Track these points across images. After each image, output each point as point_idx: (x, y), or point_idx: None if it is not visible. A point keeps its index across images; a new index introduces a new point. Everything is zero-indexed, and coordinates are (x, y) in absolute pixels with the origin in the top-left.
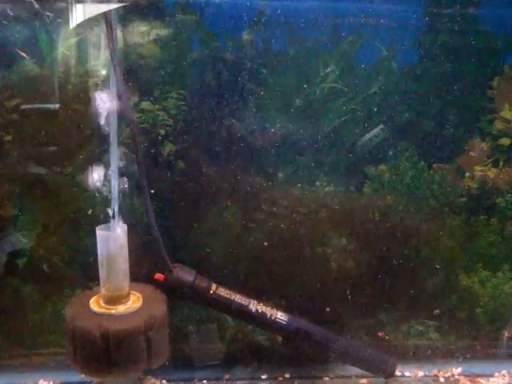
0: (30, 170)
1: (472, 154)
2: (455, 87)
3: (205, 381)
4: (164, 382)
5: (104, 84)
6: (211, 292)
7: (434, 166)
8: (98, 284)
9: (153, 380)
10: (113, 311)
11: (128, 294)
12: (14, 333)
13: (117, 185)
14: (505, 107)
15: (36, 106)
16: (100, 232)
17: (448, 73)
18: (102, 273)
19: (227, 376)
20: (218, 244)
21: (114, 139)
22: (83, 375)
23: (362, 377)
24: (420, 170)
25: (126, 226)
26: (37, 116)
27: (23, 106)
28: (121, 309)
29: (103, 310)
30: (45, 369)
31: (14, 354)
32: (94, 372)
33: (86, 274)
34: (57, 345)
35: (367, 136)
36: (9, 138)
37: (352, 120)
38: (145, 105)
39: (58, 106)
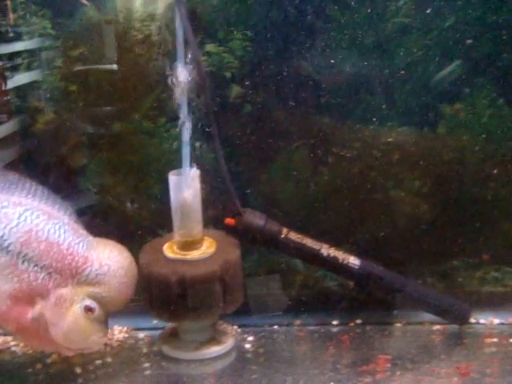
0: (96, 119)
1: None
2: None
3: (276, 326)
4: (235, 327)
5: (168, 28)
6: (282, 236)
7: None
8: (168, 231)
9: (224, 325)
10: (188, 257)
11: (202, 240)
12: None
13: (187, 130)
14: None
15: (99, 53)
16: (173, 177)
17: None
18: (176, 218)
19: (298, 322)
20: (287, 188)
21: (184, 84)
22: (159, 320)
23: (435, 323)
24: (499, 108)
25: (198, 171)
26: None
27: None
28: (195, 254)
29: (178, 256)
30: (118, 315)
31: None
32: (170, 317)
33: (156, 221)
34: None
35: (442, 73)
36: (74, 88)
37: (426, 56)
38: (209, 47)
39: (121, 53)
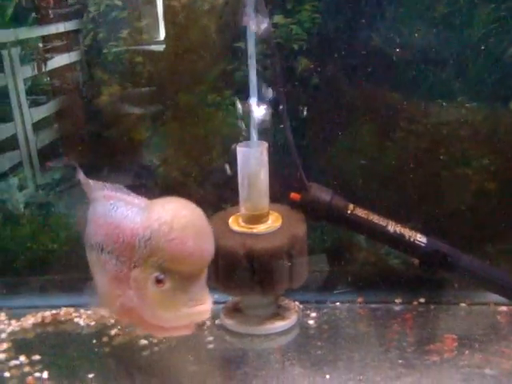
0: (161, 91)
1: None
2: None
3: (338, 303)
4: (297, 303)
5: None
6: (348, 212)
7: None
8: (231, 205)
9: (286, 301)
10: (254, 230)
11: (268, 214)
12: None
13: (255, 102)
14: None
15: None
16: (241, 149)
17: None
18: (243, 191)
19: (360, 299)
20: (354, 164)
21: (252, 54)
22: (225, 294)
23: (501, 304)
24: None
25: (266, 144)
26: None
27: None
28: (262, 228)
29: (244, 230)
30: None
31: None
32: (237, 291)
33: (219, 195)
34: None
35: None
36: (139, 59)
37: (500, 29)
38: (277, 18)
39: (186, 24)
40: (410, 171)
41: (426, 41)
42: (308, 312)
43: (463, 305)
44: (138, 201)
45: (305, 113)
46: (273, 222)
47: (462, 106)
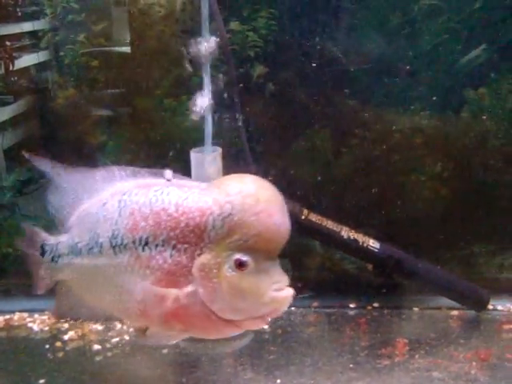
0: (117, 95)
1: None
2: None
3: (293, 308)
4: None
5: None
6: (303, 217)
7: None
8: None
9: None
10: None
11: None
12: None
13: (209, 108)
14: None
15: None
16: (195, 154)
17: None
18: None
19: (315, 304)
20: (308, 169)
21: (206, 60)
22: None
23: (453, 309)
24: None
25: (220, 149)
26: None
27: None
28: None
29: None
30: None
31: None
32: None
33: None
34: None
35: (467, 57)
36: (95, 63)
37: (452, 39)
38: (234, 25)
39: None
40: (364, 177)
41: (380, 49)
42: None
43: (416, 309)
44: (190, 182)
45: (260, 119)
46: None
47: (415, 114)
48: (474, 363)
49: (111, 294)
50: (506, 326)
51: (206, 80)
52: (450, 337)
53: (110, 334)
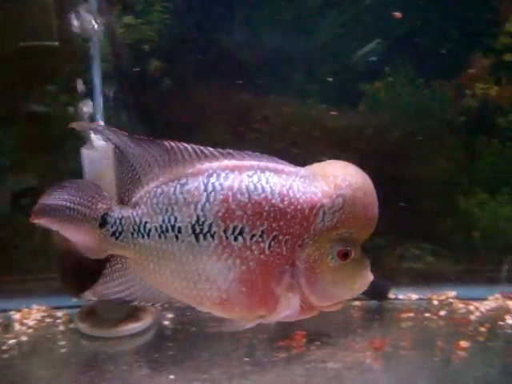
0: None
1: (473, 70)
2: None
3: None
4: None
5: None
6: None
7: (433, 83)
8: None
9: None
10: None
11: None
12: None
13: (101, 103)
14: (510, 20)
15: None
16: (86, 151)
17: None
18: None
19: None
20: None
21: (95, 54)
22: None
23: (355, 299)
24: (418, 87)
25: (111, 145)
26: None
27: None
28: None
29: None
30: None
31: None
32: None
33: None
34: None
35: (362, 51)
36: None
37: (346, 34)
38: (128, 19)
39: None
40: None
41: (276, 44)
42: (165, 313)
43: None
44: (284, 166)
45: (156, 114)
46: None
47: (313, 108)
48: (368, 352)
49: (184, 280)
50: (405, 315)
51: (96, 76)
52: (350, 327)
53: (7, 335)
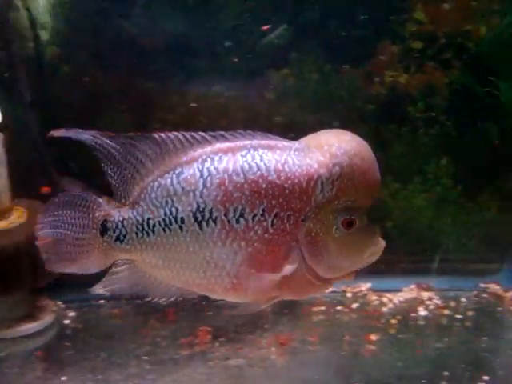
0: None
1: (382, 57)
2: None
3: (102, 300)
4: (59, 303)
5: None
6: None
7: (342, 69)
8: None
9: (46, 301)
10: None
11: (10, 209)
12: None
13: None
14: (418, 8)
15: None
16: None
17: None
18: None
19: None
20: None
21: None
22: None
23: None
24: (326, 74)
25: (1, 135)
26: None
27: None
28: (2, 224)
29: None
30: None
31: None
32: None
33: None
34: None
35: (268, 37)
36: None
37: (252, 19)
38: (21, 3)
39: None
40: None
41: (179, 29)
42: (67, 312)
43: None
44: (276, 141)
45: (55, 103)
46: (17, 217)
47: (219, 96)
48: (273, 348)
49: (194, 270)
50: (316, 308)
51: None
52: (257, 322)
53: None
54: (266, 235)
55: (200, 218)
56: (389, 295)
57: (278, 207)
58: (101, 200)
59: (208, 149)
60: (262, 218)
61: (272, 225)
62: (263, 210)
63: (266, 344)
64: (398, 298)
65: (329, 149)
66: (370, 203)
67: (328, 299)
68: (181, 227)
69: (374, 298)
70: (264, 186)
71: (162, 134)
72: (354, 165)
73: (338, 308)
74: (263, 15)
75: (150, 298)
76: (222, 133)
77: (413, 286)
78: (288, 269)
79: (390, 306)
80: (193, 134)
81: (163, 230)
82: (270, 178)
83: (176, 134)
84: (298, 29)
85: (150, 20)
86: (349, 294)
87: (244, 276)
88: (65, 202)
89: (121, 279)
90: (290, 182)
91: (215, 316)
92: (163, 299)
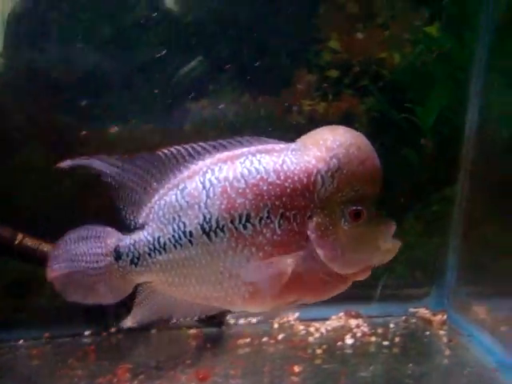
0: None
1: (299, 86)
2: (278, 15)
3: (21, 341)
4: None
5: None
6: (16, 242)
7: (260, 99)
8: None
9: None
10: None
11: None
12: None
13: None
14: (332, 37)
15: None
16: None
17: None
18: None
19: (47, 334)
20: (24, 189)
21: None
22: None
23: (193, 327)
24: (244, 104)
25: None
26: None
27: None
28: None
29: None
30: None
31: None
32: None
33: None
34: None
35: (185, 68)
36: None
37: (168, 51)
38: None
39: None
40: (86, 196)
41: (94, 61)
42: None
43: (154, 331)
44: (278, 145)
45: None
46: None
47: (137, 128)
48: None
49: (210, 283)
50: (241, 341)
51: None
52: (180, 357)
53: None
54: (275, 237)
55: (208, 229)
56: (316, 324)
57: (283, 207)
58: (109, 228)
59: (208, 160)
60: (269, 221)
61: (279, 226)
62: (268, 212)
63: (186, 379)
64: (325, 326)
65: (324, 143)
66: (377, 192)
67: (253, 331)
68: (190, 241)
69: (301, 327)
70: (265, 188)
71: (165, 151)
72: (351, 155)
73: (264, 340)
74: (178, 47)
75: (174, 320)
76: (221, 141)
77: (341, 314)
78: (286, 262)
79: (317, 335)
80: (193, 145)
81: (174, 246)
82: (270, 179)
83: (177, 147)
84: (214, 60)
85: (65, 53)
86: (275, 325)
87: (261, 282)
88: (75, 236)
89: (145, 307)
90: (290, 180)
91: (135, 353)
92: (187, 319)
